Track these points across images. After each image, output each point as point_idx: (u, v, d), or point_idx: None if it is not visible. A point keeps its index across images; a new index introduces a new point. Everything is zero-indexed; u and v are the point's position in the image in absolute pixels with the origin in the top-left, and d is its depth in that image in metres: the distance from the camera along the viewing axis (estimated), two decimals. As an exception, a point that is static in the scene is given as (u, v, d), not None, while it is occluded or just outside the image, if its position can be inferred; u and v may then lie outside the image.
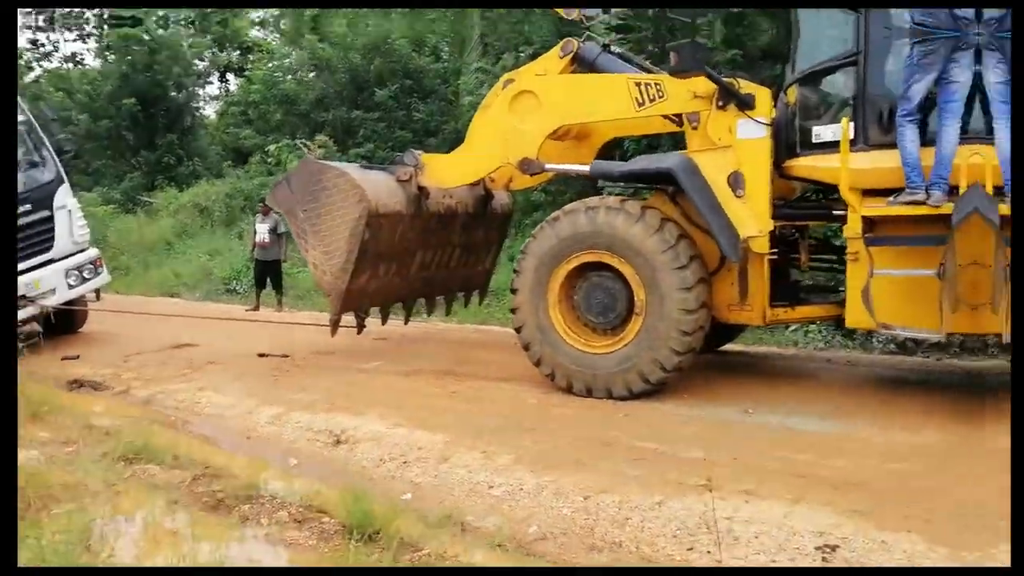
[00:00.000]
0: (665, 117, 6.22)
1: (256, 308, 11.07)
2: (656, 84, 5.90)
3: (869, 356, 7.35)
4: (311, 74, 18.09)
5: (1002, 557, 3.11)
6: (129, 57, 21.20)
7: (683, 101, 5.81)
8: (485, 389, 6.10)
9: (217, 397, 6.19)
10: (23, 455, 4.33)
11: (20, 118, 8.08)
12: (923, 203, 4.75)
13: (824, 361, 7.14)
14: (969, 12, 4.59)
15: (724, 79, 5.59)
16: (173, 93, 22.15)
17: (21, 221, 7.64)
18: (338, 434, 5.12)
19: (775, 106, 5.76)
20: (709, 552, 3.41)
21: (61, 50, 27.98)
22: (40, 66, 26.39)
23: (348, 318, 7.13)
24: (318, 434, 5.19)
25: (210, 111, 26.06)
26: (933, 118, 4.79)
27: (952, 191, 4.70)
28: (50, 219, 8.10)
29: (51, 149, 8.41)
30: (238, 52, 26.05)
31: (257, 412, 5.73)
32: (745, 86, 5.63)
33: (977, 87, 4.62)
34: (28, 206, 7.85)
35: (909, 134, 4.76)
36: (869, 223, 5.07)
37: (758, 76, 6.58)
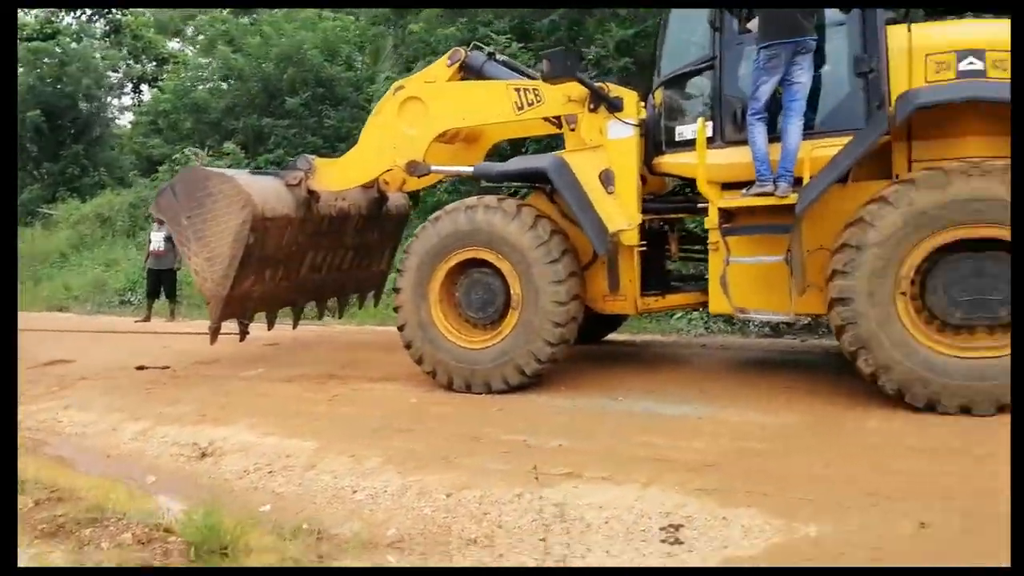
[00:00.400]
0: (546, 120, 6.39)
1: (147, 319, 10.77)
2: (534, 90, 6.05)
3: (743, 340, 7.65)
4: (223, 84, 17.81)
5: (835, 525, 3.30)
6: (38, 70, 20.67)
7: (559, 105, 5.97)
8: (367, 391, 6.09)
9: (80, 415, 5.94)
10: None
11: None
12: (771, 194, 4.99)
13: (699, 347, 7.39)
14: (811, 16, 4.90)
15: (595, 84, 5.77)
16: (83, 104, 21.63)
17: None
18: (204, 447, 4.99)
19: (644, 107, 5.98)
20: (519, 538, 3.50)
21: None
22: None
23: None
24: (183, 448, 5.03)
25: (126, 122, 25.64)
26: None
27: (797, 183, 4.97)
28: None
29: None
30: (154, 63, 25.56)
31: (121, 428, 5.53)
32: (614, 90, 5.83)
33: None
34: None
35: (758, 131, 5.01)
36: (726, 214, 5.29)
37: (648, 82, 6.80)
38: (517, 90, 6.08)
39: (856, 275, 4.62)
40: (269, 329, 7.63)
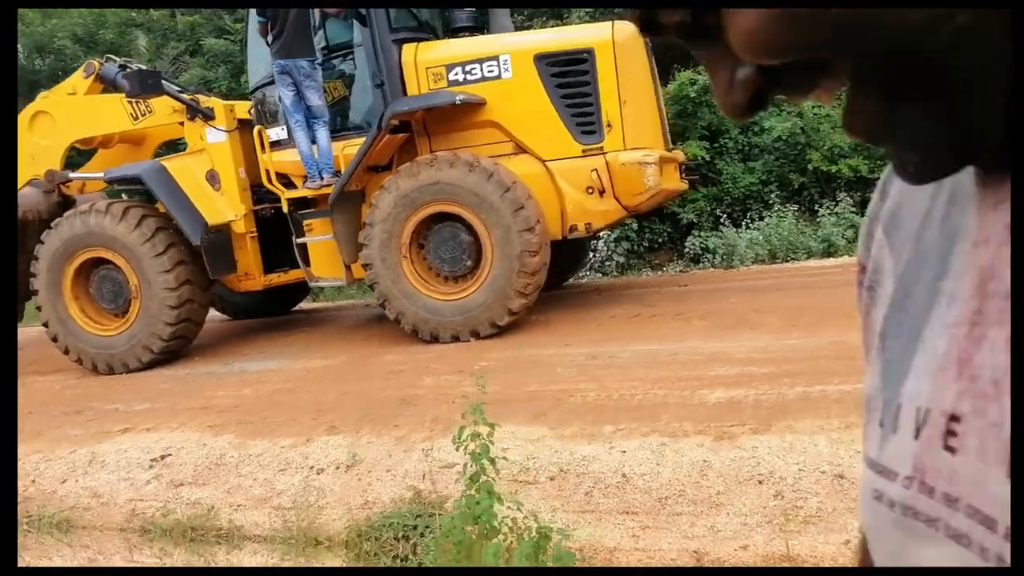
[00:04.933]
0: (181, 124, 7.20)
1: None
2: (145, 102, 6.88)
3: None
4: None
5: (273, 438, 4.49)
6: None
7: (166, 115, 6.87)
8: (29, 384, 6.91)
9: None
10: None
11: None
12: (320, 186, 6.17)
13: (363, 307, 8.62)
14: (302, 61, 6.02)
15: (184, 96, 6.68)
16: None
17: None
18: None
19: (250, 112, 6.94)
20: (51, 479, 4.61)
21: None
22: None
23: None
24: None
25: None
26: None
27: (337, 174, 6.15)
28: None
29: None
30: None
31: None
32: (205, 101, 6.77)
33: None
34: None
35: (298, 137, 6.14)
36: (298, 202, 6.44)
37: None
38: (130, 102, 6.90)
39: (372, 246, 5.91)
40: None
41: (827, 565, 2.47)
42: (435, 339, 5.93)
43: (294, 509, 3.89)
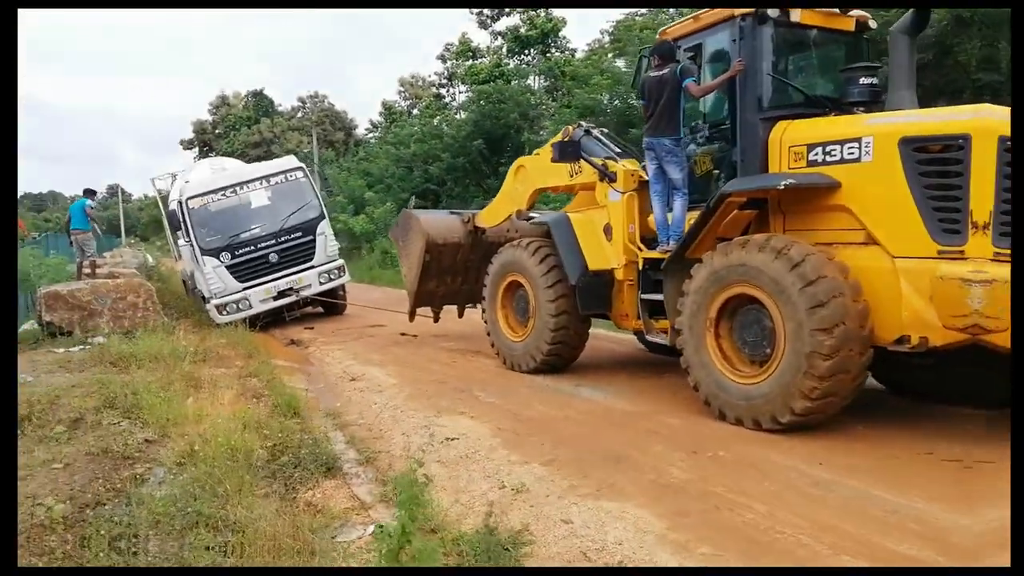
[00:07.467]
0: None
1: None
2: (579, 165, 8.32)
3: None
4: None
5: (556, 466, 5.48)
6: (483, 106, 27.76)
7: (589, 175, 8.20)
8: (472, 361, 9.19)
9: (336, 352, 10.37)
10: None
11: (299, 176, 13.49)
12: (666, 251, 6.73)
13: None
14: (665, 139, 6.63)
15: (596, 161, 7.89)
16: (514, 132, 28.08)
17: (294, 242, 13.02)
18: (354, 375, 8.79)
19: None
20: None
21: (456, 100, 38.17)
22: (439, 114, 35.77)
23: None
24: (346, 373, 8.91)
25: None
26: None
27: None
28: (312, 242, 13.28)
29: (318, 196, 13.65)
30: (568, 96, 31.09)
31: (340, 360, 9.72)
32: (611, 166, 7.85)
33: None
34: (299, 233, 13.15)
35: (656, 204, 6.82)
36: (652, 261, 7.08)
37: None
38: (571, 164, 8.44)
39: (685, 313, 6.25)
40: (460, 316, 11.06)
41: None
42: (723, 416, 5.94)
43: (455, 502, 4.78)
